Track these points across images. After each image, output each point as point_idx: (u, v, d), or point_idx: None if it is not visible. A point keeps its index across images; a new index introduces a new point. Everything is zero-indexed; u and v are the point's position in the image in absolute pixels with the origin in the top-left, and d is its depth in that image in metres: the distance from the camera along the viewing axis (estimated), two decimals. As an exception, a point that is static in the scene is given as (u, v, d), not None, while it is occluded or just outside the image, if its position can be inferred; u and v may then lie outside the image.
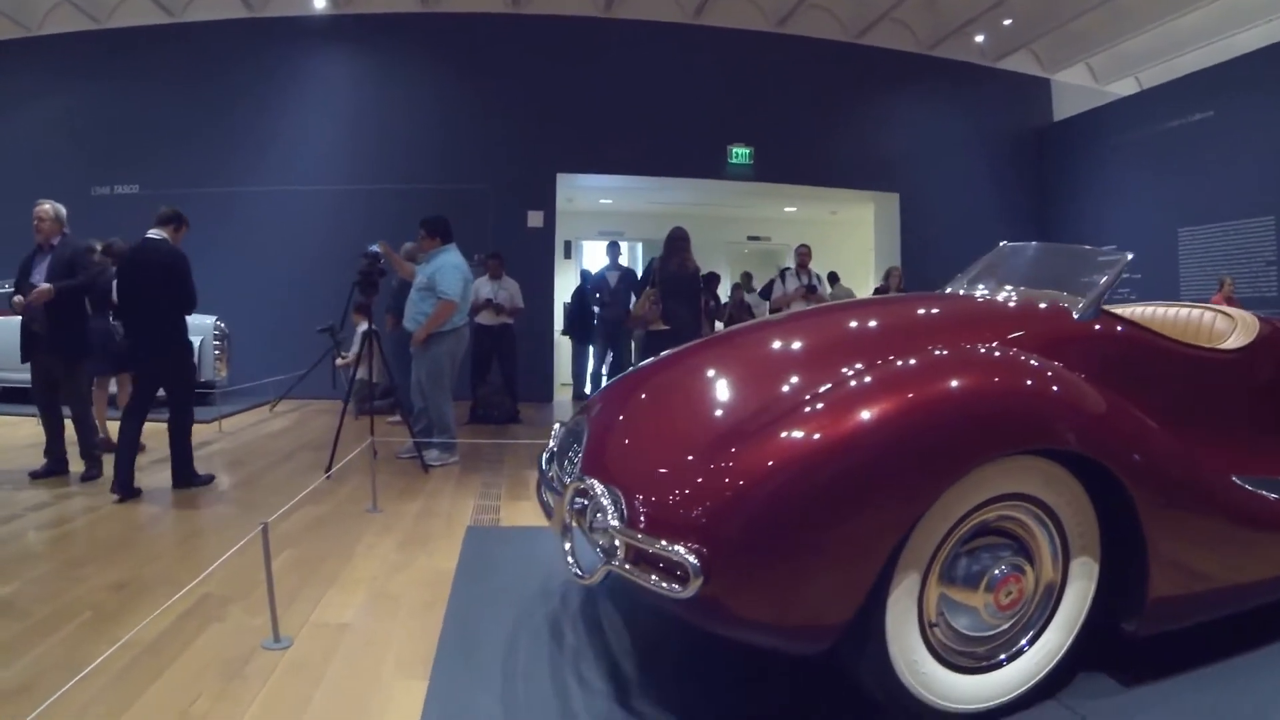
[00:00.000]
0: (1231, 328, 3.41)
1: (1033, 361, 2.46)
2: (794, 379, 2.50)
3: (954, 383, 2.25)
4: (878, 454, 2.06)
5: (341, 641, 2.83)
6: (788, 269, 10.38)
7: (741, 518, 2.01)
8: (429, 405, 6.28)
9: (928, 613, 2.20)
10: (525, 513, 4.83)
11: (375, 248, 6.25)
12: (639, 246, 15.78)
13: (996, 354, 2.53)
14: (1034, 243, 3.99)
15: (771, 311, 9.77)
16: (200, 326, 7.34)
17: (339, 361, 8.91)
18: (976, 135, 13.49)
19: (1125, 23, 12.02)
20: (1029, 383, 2.37)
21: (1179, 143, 11.40)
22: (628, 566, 2.09)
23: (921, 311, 3.15)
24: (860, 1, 12.23)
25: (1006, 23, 12.37)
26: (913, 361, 2.41)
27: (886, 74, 12.92)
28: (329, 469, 5.52)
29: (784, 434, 2.14)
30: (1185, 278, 11.04)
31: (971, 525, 2.24)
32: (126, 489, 4.92)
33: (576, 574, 2.27)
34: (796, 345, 2.89)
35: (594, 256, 13.97)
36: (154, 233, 5.29)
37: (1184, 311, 3.66)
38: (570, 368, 11.45)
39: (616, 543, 2.13)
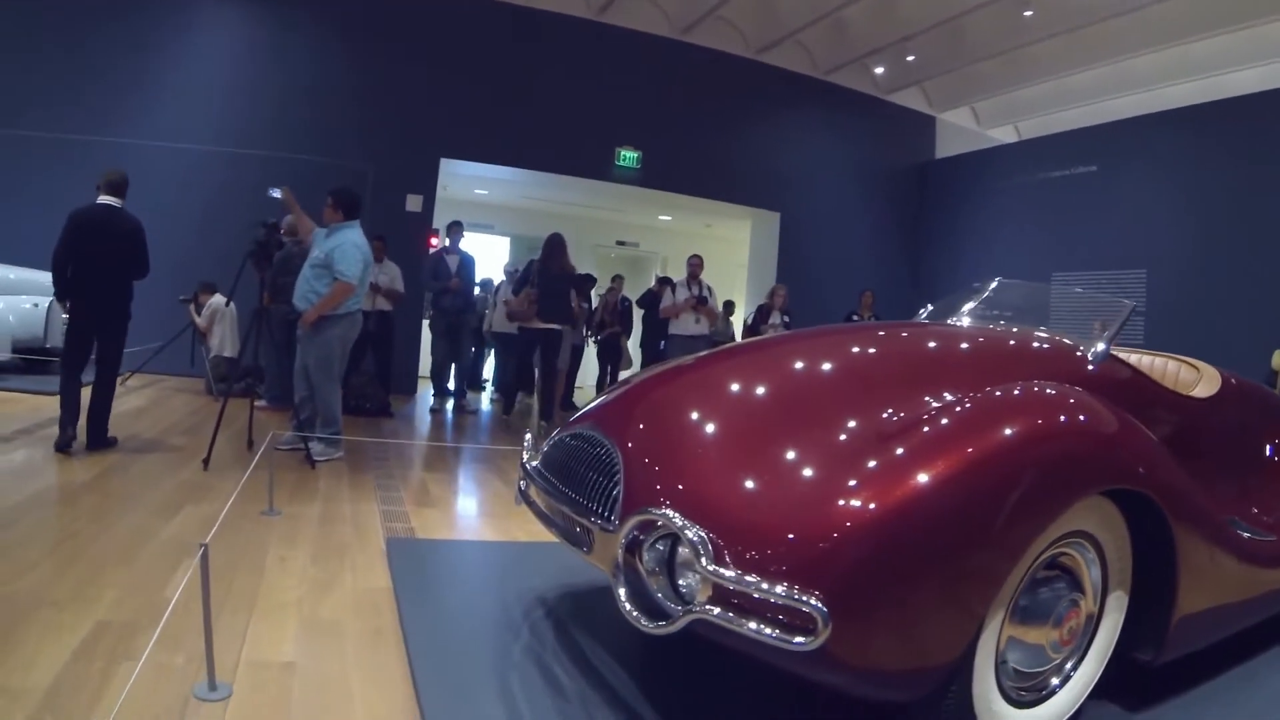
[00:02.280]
0: (1196, 378, 3.60)
1: (1102, 405, 2.37)
2: (877, 407, 2.28)
3: (1053, 420, 2.22)
4: (993, 490, 1.96)
5: (291, 687, 2.29)
6: (667, 278, 10.29)
7: (866, 560, 1.81)
8: (315, 394, 5.64)
9: (1001, 649, 2.10)
10: (436, 521, 4.41)
11: (276, 192, 5.60)
12: (508, 241, 15.31)
13: (1070, 394, 2.39)
14: (1028, 282, 3.95)
15: (660, 318, 9.54)
16: (46, 288, 6.35)
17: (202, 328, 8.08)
18: (861, 164, 13.81)
19: (1021, 73, 12.64)
20: (1109, 423, 2.32)
21: (1060, 192, 12.04)
22: (727, 615, 1.78)
23: (959, 342, 3.05)
24: (766, 19, 12.26)
25: (910, 58, 12.70)
26: (998, 395, 2.29)
27: (781, 94, 13.01)
28: (207, 459, 4.82)
29: (895, 468, 1.94)
30: (1056, 320, 11.59)
31: (1041, 562, 2.16)
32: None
33: (643, 623, 1.91)
34: (853, 368, 2.72)
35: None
36: (109, 199, 5.20)
37: (1154, 360, 3.72)
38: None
39: (701, 587, 1.83)
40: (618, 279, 11.86)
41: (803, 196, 13.24)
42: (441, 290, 9.08)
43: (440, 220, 10.63)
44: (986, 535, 1.93)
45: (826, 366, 2.70)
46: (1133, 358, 3.83)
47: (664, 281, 11.20)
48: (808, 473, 2.03)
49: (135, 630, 2.53)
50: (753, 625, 1.75)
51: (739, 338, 11.13)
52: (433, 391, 9.35)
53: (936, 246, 14.09)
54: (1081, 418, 2.27)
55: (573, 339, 8.86)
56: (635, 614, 1.93)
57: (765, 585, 1.75)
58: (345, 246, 5.60)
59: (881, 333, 3.26)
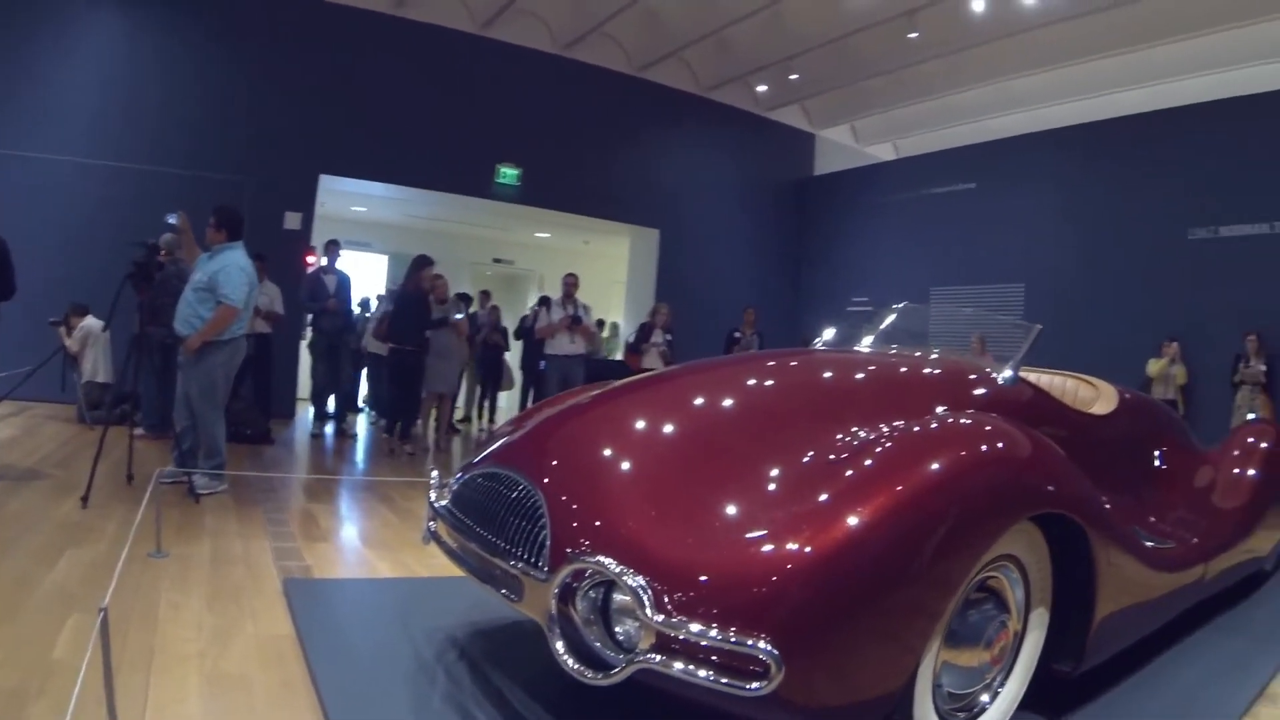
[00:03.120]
0: (1095, 395, 3.79)
1: (1020, 430, 2.48)
2: (804, 442, 2.34)
3: (980, 451, 2.28)
4: (929, 524, 2.00)
5: (205, 752, 2.20)
6: (546, 297, 10.28)
7: (813, 601, 1.83)
8: (198, 423, 5.41)
9: (937, 674, 2.18)
10: (331, 558, 4.27)
11: (173, 218, 5.34)
12: (385, 259, 14.99)
13: (992, 423, 2.49)
14: (927, 305, 4.11)
15: (536, 339, 9.48)
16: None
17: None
18: (741, 181, 14.13)
19: (902, 92, 13.16)
20: (1031, 450, 2.43)
21: (940, 209, 12.60)
22: (673, 663, 1.79)
23: (876, 371, 3.12)
24: (651, 36, 12.42)
25: (794, 76, 13.05)
26: (925, 428, 2.37)
27: (661, 111, 13.23)
28: (86, 496, 4.54)
29: (832, 507, 1.98)
30: (935, 332, 12.14)
31: (971, 587, 2.24)
32: None
33: (586, 675, 1.89)
34: (773, 400, 2.76)
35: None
36: None
37: (1055, 379, 3.91)
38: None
39: (644, 634, 1.83)
40: (485, 295, 11.87)
41: (682, 213, 13.45)
42: (320, 311, 8.84)
43: (319, 238, 10.36)
44: (925, 568, 1.97)
45: (745, 399, 2.74)
46: (1032, 377, 4.06)
47: (544, 301, 11.20)
48: (742, 513, 2.05)
49: (25, 698, 2.36)
50: (703, 673, 1.76)
51: (620, 355, 11.23)
52: (313, 415, 9.06)
53: (815, 262, 14.52)
54: (1005, 447, 2.35)
55: (448, 362, 8.66)
56: (576, 666, 1.91)
57: (713, 632, 1.76)
58: (229, 269, 5.40)
59: (796, 362, 3.30)
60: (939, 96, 13.20)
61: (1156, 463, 3.82)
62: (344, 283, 9.06)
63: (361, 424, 10.30)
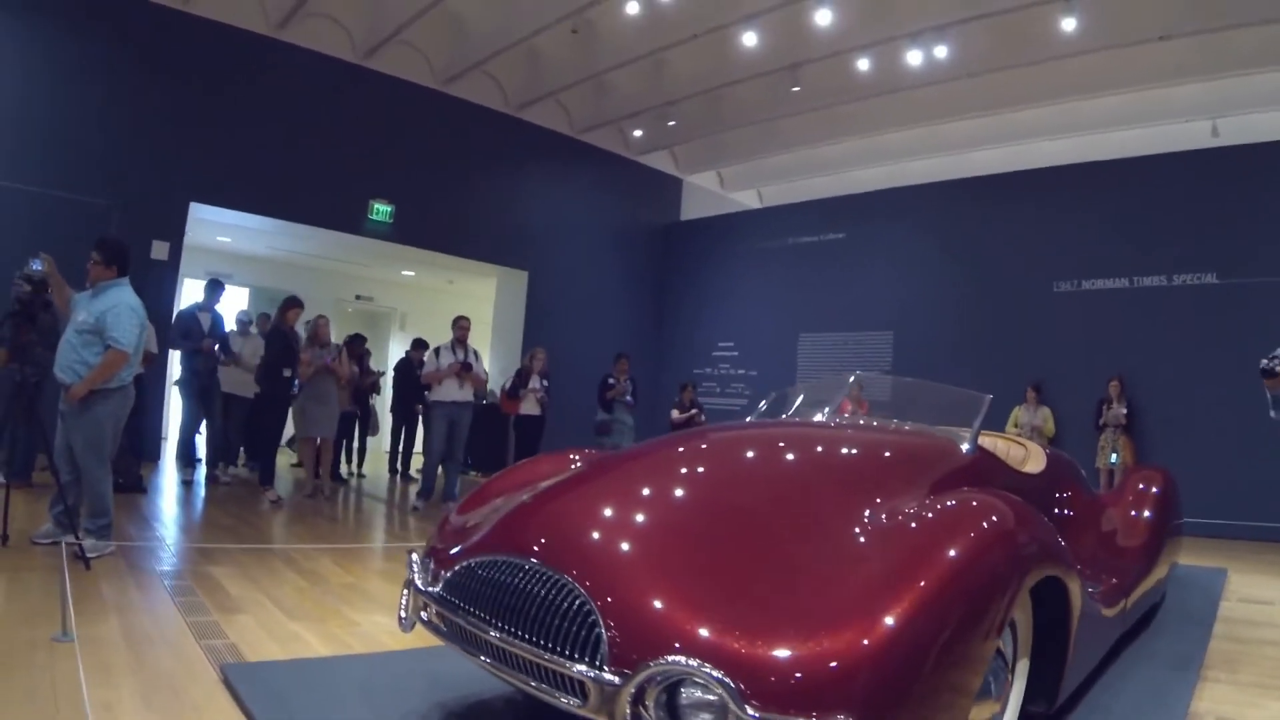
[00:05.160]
0: (1025, 455, 4.08)
1: (1015, 503, 2.64)
2: (837, 520, 2.47)
3: (997, 526, 2.41)
4: (969, 596, 2.14)
5: None
6: (423, 341, 10.06)
7: (883, 680, 1.90)
8: (84, 479, 4.94)
9: None
10: (255, 633, 3.90)
11: (39, 265, 4.84)
12: (246, 292, 14.30)
13: (999, 498, 2.63)
14: (889, 376, 4.30)
15: (424, 385, 9.09)
16: None
17: None
18: (611, 224, 14.27)
19: (773, 141, 13.56)
20: (1032, 521, 2.58)
21: (809, 257, 13.00)
22: None
23: (869, 446, 3.30)
24: (532, 77, 12.39)
25: (671, 123, 13.26)
26: (947, 505, 2.53)
27: (533, 152, 13.24)
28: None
29: (886, 587, 2.08)
30: (803, 378, 12.52)
31: None
32: None
33: None
34: (789, 476, 2.92)
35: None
36: None
37: (997, 442, 4.12)
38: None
39: None
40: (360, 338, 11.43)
41: (551, 255, 13.46)
42: (194, 351, 8.33)
43: (185, 270, 9.79)
44: (968, 638, 2.08)
45: (755, 475, 2.83)
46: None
47: (420, 345, 10.91)
48: (798, 599, 2.09)
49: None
50: None
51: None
52: (185, 461, 8.49)
53: (682, 307, 14.76)
54: (1014, 521, 2.49)
55: (325, 406, 8.33)
56: None
57: None
58: (119, 309, 4.97)
59: (789, 437, 3.45)
60: (807, 147, 13.70)
61: (1079, 511, 4.10)
62: (219, 322, 8.70)
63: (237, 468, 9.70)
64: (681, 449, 3.21)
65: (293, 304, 8.24)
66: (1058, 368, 10.24)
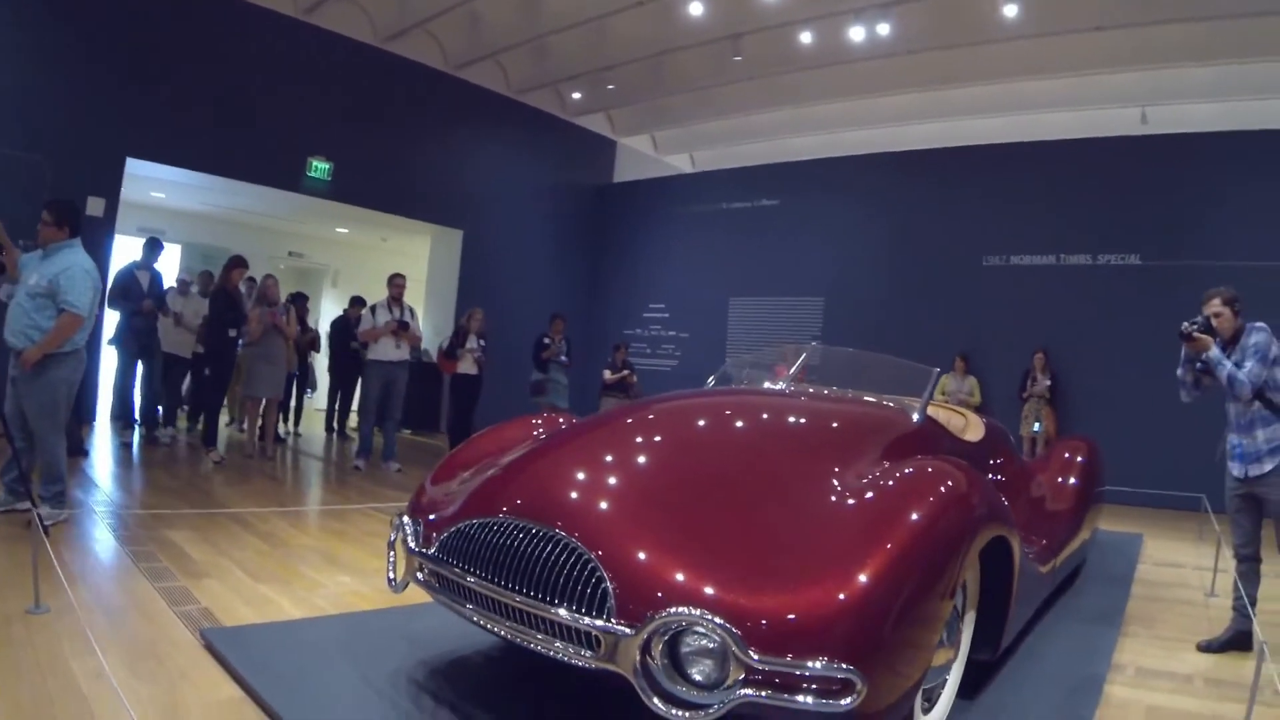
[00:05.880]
0: (964, 423, 4.34)
1: (965, 468, 2.88)
2: (806, 479, 2.74)
3: (957, 487, 2.67)
4: (937, 549, 2.40)
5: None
6: (361, 299, 9.99)
7: (872, 624, 2.13)
8: (39, 445, 4.89)
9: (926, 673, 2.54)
10: (225, 597, 3.96)
11: None
12: (179, 249, 13.94)
13: (955, 465, 2.87)
14: (845, 348, 4.51)
15: (361, 343, 9.06)
16: None
17: None
18: (546, 185, 14.28)
19: (709, 107, 13.64)
20: (983, 485, 2.85)
21: (743, 222, 13.15)
22: (767, 694, 2.03)
23: (832, 411, 3.59)
24: (473, 37, 12.27)
25: (610, 87, 13.26)
26: (911, 469, 2.80)
27: (472, 112, 13.18)
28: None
29: (867, 541, 2.31)
30: (733, 341, 12.75)
31: None
32: None
33: (680, 717, 2.07)
34: (760, 435, 3.23)
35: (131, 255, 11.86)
36: None
37: (939, 412, 4.36)
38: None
39: (732, 672, 2.06)
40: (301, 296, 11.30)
41: (486, 215, 13.44)
42: (134, 312, 8.18)
43: (121, 226, 9.55)
44: (936, 586, 2.34)
45: (734, 438, 3.08)
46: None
47: (358, 302, 10.82)
48: (787, 552, 2.30)
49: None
50: (800, 699, 2.01)
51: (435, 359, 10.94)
52: (123, 422, 8.36)
53: (615, 268, 14.86)
54: (967, 484, 2.73)
55: (273, 365, 8.29)
56: (675, 712, 2.07)
57: (804, 663, 2.01)
58: (73, 271, 4.91)
59: (763, 402, 3.70)
60: (743, 115, 13.82)
61: (1012, 477, 4.39)
62: (158, 281, 8.55)
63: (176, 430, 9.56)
64: (657, 416, 3.39)
65: (237, 263, 8.23)
66: (985, 339, 10.65)
